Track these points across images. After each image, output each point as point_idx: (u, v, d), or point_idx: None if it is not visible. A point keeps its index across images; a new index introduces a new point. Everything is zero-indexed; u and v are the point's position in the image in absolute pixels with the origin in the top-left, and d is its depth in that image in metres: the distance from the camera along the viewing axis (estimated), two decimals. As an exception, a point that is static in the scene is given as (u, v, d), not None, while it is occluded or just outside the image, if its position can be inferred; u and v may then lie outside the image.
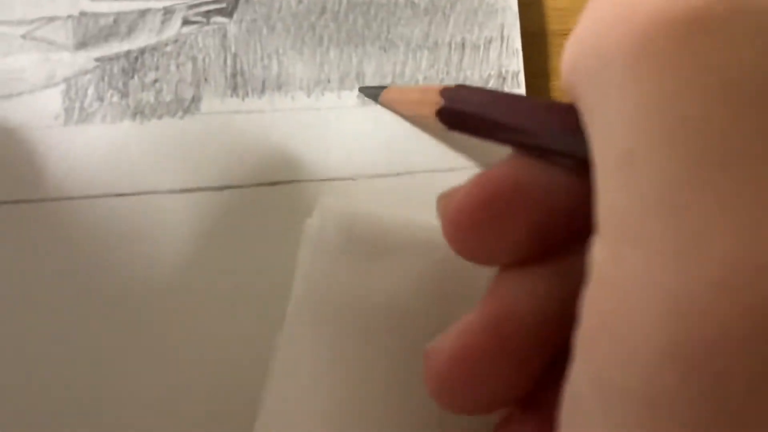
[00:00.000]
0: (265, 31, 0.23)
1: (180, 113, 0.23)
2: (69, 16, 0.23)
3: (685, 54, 0.11)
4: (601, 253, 0.12)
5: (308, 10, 0.23)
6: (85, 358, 0.21)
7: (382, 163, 0.23)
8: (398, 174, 0.23)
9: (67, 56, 0.23)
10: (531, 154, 0.16)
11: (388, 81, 0.23)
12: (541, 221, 0.15)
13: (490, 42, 0.23)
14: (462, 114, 0.19)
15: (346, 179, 0.23)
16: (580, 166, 0.14)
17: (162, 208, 0.22)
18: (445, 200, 0.17)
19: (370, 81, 0.23)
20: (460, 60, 0.23)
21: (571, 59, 0.13)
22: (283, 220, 0.22)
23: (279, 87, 0.23)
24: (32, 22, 0.23)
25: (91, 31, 0.23)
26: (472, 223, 0.15)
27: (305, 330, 0.21)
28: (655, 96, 0.11)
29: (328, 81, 0.23)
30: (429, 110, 0.20)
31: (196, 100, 0.23)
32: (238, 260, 0.22)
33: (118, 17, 0.23)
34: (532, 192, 0.15)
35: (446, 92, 0.20)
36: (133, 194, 0.22)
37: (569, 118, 0.14)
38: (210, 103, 0.23)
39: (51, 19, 0.23)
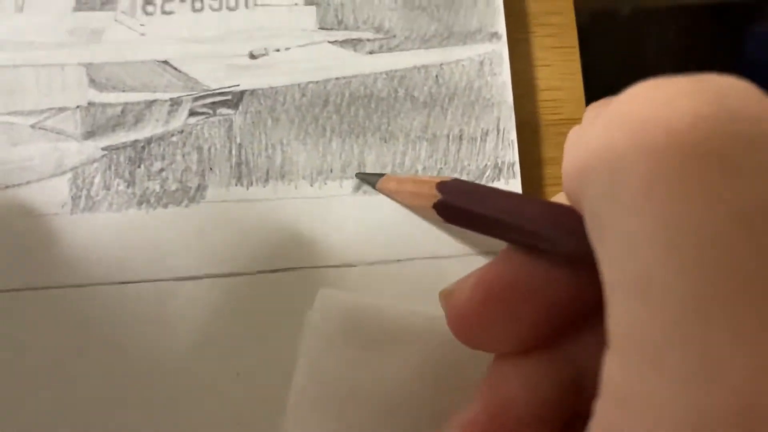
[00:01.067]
0: (269, 122, 0.24)
1: (185, 202, 0.23)
2: (78, 107, 0.23)
3: (700, 183, 0.11)
4: (614, 368, 0.12)
5: (311, 102, 0.24)
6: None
7: (381, 250, 0.23)
8: (398, 261, 0.23)
9: (75, 145, 0.23)
10: (527, 248, 0.16)
11: (388, 170, 0.24)
12: (540, 313, 0.16)
13: (486, 134, 0.24)
14: (459, 210, 0.20)
15: (346, 266, 0.23)
16: (574, 259, 0.15)
17: (166, 295, 0.22)
18: (446, 295, 0.17)
19: (371, 170, 0.24)
20: (458, 151, 0.24)
21: (579, 168, 0.13)
22: (285, 306, 0.23)
23: (282, 176, 0.24)
24: (42, 112, 0.23)
25: (98, 120, 0.23)
26: (475, 321, 0.16)
27: (307, 419, 0.21)
28: (670, 222, 0.11)
29: (331, 170, 0.24)
30: (426, 202, 0.21)
31: (201, 188, 0.23)
32: (242, 347, 0.22)
33: (125, 107, 0.23)
34: (529, 287, 0.16)
35: (443, 186, 0.20)
36: (138, 282, 0.22)
37: (564, 218, 0.15)
38: (215, 191, 0.23)
39: (61, 110, 0.23)
